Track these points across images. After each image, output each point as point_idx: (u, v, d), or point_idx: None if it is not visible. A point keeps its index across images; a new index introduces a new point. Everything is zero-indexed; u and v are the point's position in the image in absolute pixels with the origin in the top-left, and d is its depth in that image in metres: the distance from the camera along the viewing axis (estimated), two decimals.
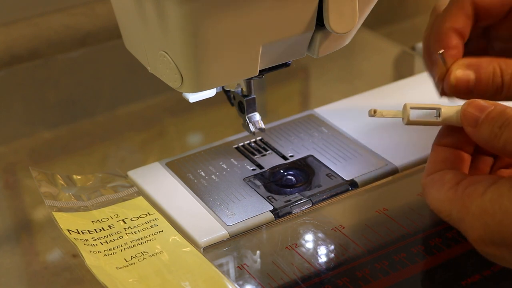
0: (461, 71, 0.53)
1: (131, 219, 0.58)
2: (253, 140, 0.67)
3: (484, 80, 0.52)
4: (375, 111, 0.53)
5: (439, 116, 0.52)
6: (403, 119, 0.53)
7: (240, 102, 0.63)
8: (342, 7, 0.54)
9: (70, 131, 0.78)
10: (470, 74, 0.53)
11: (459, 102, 0.53)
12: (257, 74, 0.55)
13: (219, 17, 0.50)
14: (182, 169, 0.64)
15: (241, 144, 0.67)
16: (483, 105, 0.50)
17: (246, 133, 0.67)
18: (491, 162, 0.55)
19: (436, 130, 0.56)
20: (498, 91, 0.53)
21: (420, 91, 0.71)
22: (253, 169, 0.63)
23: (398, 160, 0.63)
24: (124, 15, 0.57)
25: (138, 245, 0.56)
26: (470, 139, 0.53)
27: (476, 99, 0.51)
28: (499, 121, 0.49)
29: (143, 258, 0.55)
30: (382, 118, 0.53)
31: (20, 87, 0.85)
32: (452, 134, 0.53)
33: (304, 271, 0.53)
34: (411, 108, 0.53)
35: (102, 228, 0.58)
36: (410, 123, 0.53)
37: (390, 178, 0.62)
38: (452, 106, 0.52)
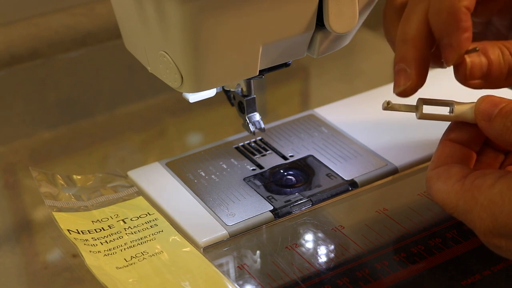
0: (473, 56, 0.52)
1: (131, 219, 0.58)
2: (253, 140, 0.67)
3: (495, 62, 0.52)
4: (388, 103, 0.53)
5: (452, 111, 0.52)
6: (416, 113, 0.53)
7: (240, 102, 0.63)
8: (342, 7, 0.54)
9: (70, 131, 0.78)
10: (482, 58, 0.52)
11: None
12: (257, 74, 0.55)
13: (219, 17, 0.50)
14: (182, 169, 0.64)
15: (241, 144, 0.67)
16: (497, 100, 0.51)
17: (246, 133, 0.67)
18: (502, 158, 0.55)
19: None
20: (511, 70, 0.52)
21: (420, 91, 0.71)
22: (253, 169, 0.63)
23: (398, 160, 0.63)
24: (124, 15, 0.57)
25: (138, 245, 0.56)
26: (479, 137, 0.53)
27: (491, 95, 0.51)
28: None
29: (143, 258, 0.55)
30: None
31: (20, 87, 0.85)
32: (462, 130, 0.53)
33: (304, 271, 0.53)
34: (425, 102, 0.53)
35: (102, 228, 0.58)
36: (422, 117, 0.53)
37: (390, 178, 0.62)
38: (465, 102, 0.52)
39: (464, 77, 0.52)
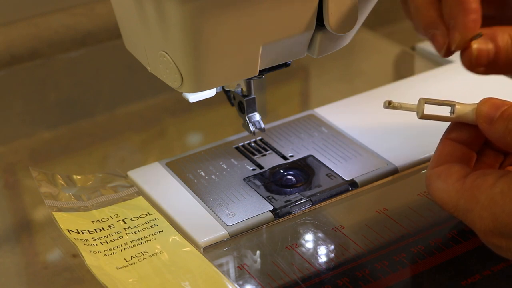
0: (481, 43, 0.51)
1: (131, 219, 0.58)
2: (253, 140, 0.67)
3: (503, 48, 0.51)
4: (390, 103, 0.53)
5: (453, 112, 0.52)
6: (417, 113, 0.53)
7: (240, 102, 0.63)
8: (342, 7, 0.54)
9: (70, 131, 0.78)
10: (489, 45, 0.51)
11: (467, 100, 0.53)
12: (257, 74, 0.55)
13: (219, 17, 0.50)
14: (182, 169, 0.64)
15: (241, 144, 0.67)
16: (498, 103, 0.50)
17: (246, 133, 0.67)
18: (501, 159, 0.55)
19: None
20: None
21: (420, 91, 0.71)
22: (253, 169, 0.63)
23: (398, 160, 0.63)
24: (124, 15, 0.57)
25: (138, 245, 0.56)
26: (479, 137, 0.53)
27: (492, 98, 0.51)
28: None
29: (143, 258, 0.55)
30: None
31: (20, 87, 0.85)
32: (462, 130, 0.53)
33: (304, 271, 0.53)
34: (426, 102, 0.53)
35: (102, 228, 0.58)
36: (424, 117, 0.53)
37: (390, 178, 0.62)
38: (466, 103, 0.52)
39: (470, 64, 0.51)
